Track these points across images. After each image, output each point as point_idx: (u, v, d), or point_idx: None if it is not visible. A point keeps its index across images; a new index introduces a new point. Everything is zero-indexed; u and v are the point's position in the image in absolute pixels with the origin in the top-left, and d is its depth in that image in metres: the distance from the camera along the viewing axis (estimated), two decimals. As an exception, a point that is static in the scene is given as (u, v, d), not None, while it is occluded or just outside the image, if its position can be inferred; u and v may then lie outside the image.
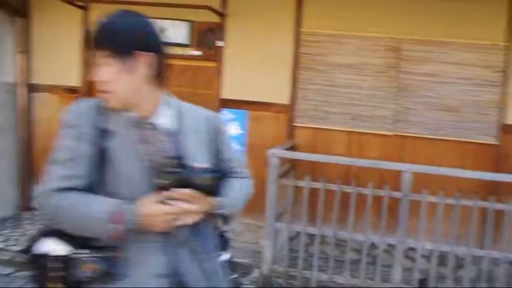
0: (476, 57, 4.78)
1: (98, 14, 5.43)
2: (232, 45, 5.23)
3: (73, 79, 5.68)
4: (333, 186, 4.11)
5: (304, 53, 5.06)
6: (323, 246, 4.37)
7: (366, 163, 4.27)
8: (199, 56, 5.34)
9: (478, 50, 4.77)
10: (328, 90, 5.02)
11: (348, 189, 4.11)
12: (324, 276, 4.22)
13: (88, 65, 5.61)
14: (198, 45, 5.32)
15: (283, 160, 4.42)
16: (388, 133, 4.96)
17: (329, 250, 4.32)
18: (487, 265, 4.00)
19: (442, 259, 4.14)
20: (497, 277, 4.03)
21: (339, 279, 4.19)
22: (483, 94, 4.77)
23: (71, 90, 5.67)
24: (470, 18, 4.76)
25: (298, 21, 5.07)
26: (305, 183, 4.14)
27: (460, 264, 4.20)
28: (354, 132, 5.02)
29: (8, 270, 4.42)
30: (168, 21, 5.19)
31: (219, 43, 5.22)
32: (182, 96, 5.31)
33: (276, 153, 4.12)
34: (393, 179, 4.22)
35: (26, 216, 5.78)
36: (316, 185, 4.13)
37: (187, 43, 5.30)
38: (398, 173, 4.05)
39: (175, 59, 5.39)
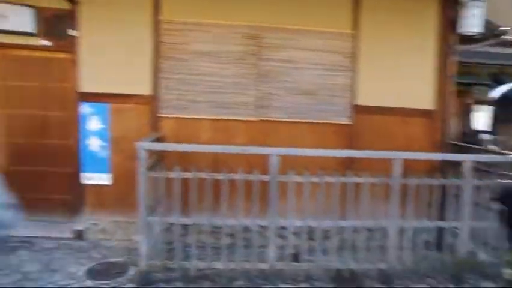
0: (328, 44, 5.34)
1: None
2: (87, 34, 5.10)
3: None
4: (204, 175, 4.28)
5: (165, 42, 5.16)
6: (199, 235, 4.51)
7: (234, 149, 4.50)
8: (49, 46, 5.12)
9: (329, 37, 5.33)
10: (191, 79, 5.19)
11: (219, 176, 4.31)
12: (202, 264, 4.38)
13: None
14: (47, 34, 5.09)
15: (150, 152, 4.44)
16: (251, 119, 5.27)
17: (204, 238, 4.49)
18: (350, 234, 4.50)
19: (311, 234, 4.55)
20: (358, 244, 4.56)
21: (217, 265, 4.38)
22: (336, 78, 5.33)
23: None
24: (321, 8, 5.29)
25: (156, 9, 5.13)
26: (176, 174, 4.24)
27: (327, 236, 4.65)
28: (219, 119, 5.25)
29: None
30: (8, 5, 4.83)
31: (72, 32, 5.03)
32: (31, 91, 5.00)
33: (145, 146, 4.17)
34: (260, 163, 4.53)
35: None
36: (187, 175, 4.26)
37: (33, 31, 5.02)
38: (265, 157, 4.35)
39: (20, 49, 5.06)
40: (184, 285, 4.28)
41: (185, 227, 4.58)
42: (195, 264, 4.37)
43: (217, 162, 5.04)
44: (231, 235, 4.73)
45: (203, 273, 4.45)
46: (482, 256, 4.76)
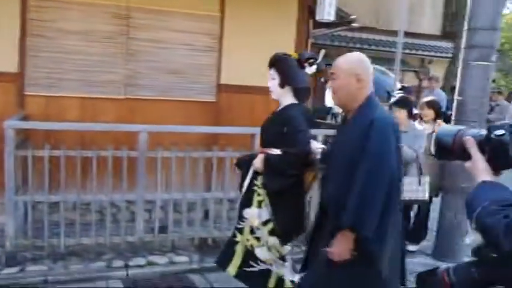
0: (197, 26, 5.73)
1: None
2: None
3: None
4: (73, 153, 4.49)
5: (33, 19, 5.18)
6: (68, 213, 4.75)
7: (104, 127, 4.81)
8: None
9: (197, 19, 5.72)
10: (59, 57, 5.29)
11: (88, 153, 4.56)
12: (71, 241, 4.64)
13: None
14: None
15: (17, 131, 4.56)
16: (120, 97, 5.54)
17: (73, 216, 4.76)
18: (213, 205, 5.06)
19: (177, 207, 5.04)
20: (221, 214, 5.13)
21: (86, 241, 4.70)
22: (203, 58, 5.80)
23: None
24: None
25: None
26: (45, 153, 4.43)
27: (192, 208, 5.16)
28: (87, 98, 5.45)
29: None
30: None
31: None
32: None
33: (12, 125, 4.28)
34: (129, 141, 4.81)
35: None
36: (56, 153, 4.46)
37: None
38: (132, 134, 4.71)
39: None
40: (52, 263, 4.49)
41: (54, 205, 4.72)
42: (63, 241, 4.54)
43: (84, 141, 5.09)
44: (100, 211, 5.00)
45: (71, 250, 4.64)
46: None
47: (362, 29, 11.88)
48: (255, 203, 3.14)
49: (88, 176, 4.62)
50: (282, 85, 3.11)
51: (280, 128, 3.04)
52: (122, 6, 5.43)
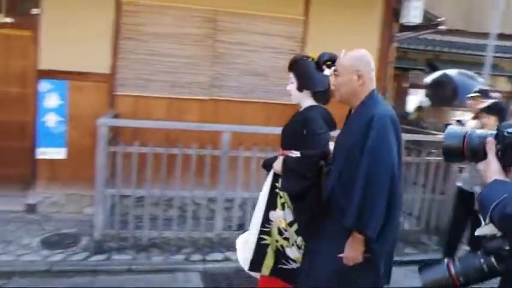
0: (281, 29, 5.83)
1: None
2: (48, 12, 5.38)
3: None
4: (160, 150, 4.67)
5: (126, 23, 5.49)
6: (152, 207, 4.93)
7: (190, 126, 4.99)
8: (10, 23, 5.38)
9: (281, 22, 5.81)
10: (149, 59, 5.56)
11: (174, 151, 4.70)
12: (154, 234, 4.83)
13: None
14: (8, 11, 5.35)
15: (109, 128, 4.81)
16: (205, 98, 5.73)
17: (157, 210, 4.94)
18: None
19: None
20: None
21: (167, 234, 4.86)
22: (286, 61, 5.80)
23: None
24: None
25: None
26: (134, 149, 4.63)
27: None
28: (174, 98, 5.68)
29: None
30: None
31: (34, 10, 5.33)
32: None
33: (105, 122, 4.53)
34: (210, 140, 4.94)
35: None
36: (144, 149, 4.65)
37: (-5, 9, 5.31)
38: (216, 133, 4.84)
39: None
40: (135, 253, 4.70)
41: (139, 199, 4.94)
42: (146, 234, 4.75)
43: (169, 139, 5.32)
44: (181, 207, 5.17)
45: (154, 242, 4.83)
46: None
47: (450, 31, 11.33)
48: (279, 205, 3.08)
49: (172, 173, 4.78)
50: (300, 89, 3.04)
51: (300, 130, 2.97)
52: (210, 10, 5.62)
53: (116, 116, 5.40)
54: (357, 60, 2.50)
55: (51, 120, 5.53)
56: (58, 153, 5.59)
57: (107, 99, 5.57)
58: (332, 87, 2.73)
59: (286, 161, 2.94)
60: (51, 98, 5.48)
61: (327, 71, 3.00)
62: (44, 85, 5.46)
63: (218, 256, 4.75)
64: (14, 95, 5.61)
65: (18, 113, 5.63)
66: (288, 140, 3.13)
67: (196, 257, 4.73)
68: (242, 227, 4.97)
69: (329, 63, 2.99)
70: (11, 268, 4.36)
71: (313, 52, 3.13)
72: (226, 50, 5.71)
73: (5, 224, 5.32)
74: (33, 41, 5.41)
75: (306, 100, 3.06)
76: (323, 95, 3.05)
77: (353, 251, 2.35)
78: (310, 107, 3.02)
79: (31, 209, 5.66)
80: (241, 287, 4.26)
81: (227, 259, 4.73)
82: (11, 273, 4.30)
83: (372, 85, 2.52)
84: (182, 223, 4.99)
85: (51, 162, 5.61)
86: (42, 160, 5.60)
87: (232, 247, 4.86)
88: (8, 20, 5.38)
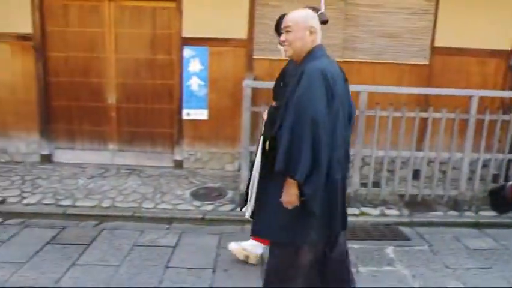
0: (413, -12, 5.75)
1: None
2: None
3: (25, 26, 5.95)
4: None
5: (261, -11, 5.70)
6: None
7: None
8: (157, -4, 5.84)
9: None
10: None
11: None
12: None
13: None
14: (155, -15, 5.80)
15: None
16: (337, 60, 5.82)
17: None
18: (425, 165, 5.15)
19: (391, 164, 5.25)
20: (433, 174, 5.21)
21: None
22: (418, 21, 5.81)
23: (24, 38, 5.98)
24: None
25: None
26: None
27: (405, 166, 5.32)
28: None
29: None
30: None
31: (179, -17, 5.74)
32: (144, 37, 5.90)
33: (250, 84, 4.86)
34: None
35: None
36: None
37: (144, -16, 5.78)
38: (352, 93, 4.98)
39: (134, 0, 5.86)
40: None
41: None
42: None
43: None
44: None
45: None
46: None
47: None
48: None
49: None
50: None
51: (279, 83, 3.37)
52: (342, -27, 5.64)
53: (255, 79, 5.70)
54: (309, 17, 2.65)
55: (194, 83, 5.98)
56: (201, 114, 6.05)
57: (244, 63, 5.90)
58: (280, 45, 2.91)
59: (268, 111, 3.02)
60: (194, 63, 5.90)
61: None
62: (187, 51, 5.89)
63: (355, 211, 5.00)
64: (161, 61, 6.11)
65: (165, 77, 6.14)
66: (273, 92, 3.61)
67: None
68: (377, 185, 5.16)
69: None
70: (170, 215, 4.93)
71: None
72: (358, 12, 5.76)
73: (158, 178, 5.92)
74: (178, 11, 5.82)
75: None
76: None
77: (288, 195, 2.46)
78: (291, 61, 3.15)
79: (179, 164, 6.24)
80: (379, 239, 4.48)
81: (363, 214, 4.99)
82: (171, 219, 4.88)
83: (317, 41, 2.67)
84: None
85: (195, 122, 6.10)
86: (187, 120, 6.10)
87: (367, 203, 5.11)
88: (155, -7, 5.82)
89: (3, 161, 6.43)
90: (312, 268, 2.76)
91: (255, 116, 5.02)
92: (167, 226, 4.75)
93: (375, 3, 5.74)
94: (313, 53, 2.64)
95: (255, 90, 5.15)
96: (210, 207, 5.10)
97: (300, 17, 2.66)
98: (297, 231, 2.59)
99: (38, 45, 6.01)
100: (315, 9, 2.91)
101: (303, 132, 2.36)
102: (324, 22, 2.84)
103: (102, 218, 4.84)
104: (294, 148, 2.38)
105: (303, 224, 2.57)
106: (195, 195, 5.41)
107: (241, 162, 5.06)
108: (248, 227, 4.70)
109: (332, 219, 2.62)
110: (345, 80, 2.72)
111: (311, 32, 2.65)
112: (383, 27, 5.80)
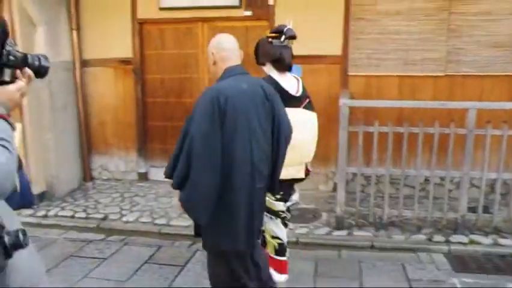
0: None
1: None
2: (282, 2, 5.62)
3: (126, 51, 6.13)
4: (401, 129, 4.58)
5: (356, 4, 5.43)
6: (390, 186, 4.87)
7: (433, 104, 4.80)
8: (249, 16, 5.76)
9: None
10: (379, 38, 5.44)
11: (415, 130, 4.55)
12: (393, 212, 4.77)
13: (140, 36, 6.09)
14: (248, 5, 5.72)
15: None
16: (439, 74, 5.40)
17: (395, 189, 4.89)
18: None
19: (504, 187, 4.70)
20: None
21: (407, 214, 4.76)
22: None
23: (125, 62, 6.15)
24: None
25: None
26: (374, 129, 4.60)
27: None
28: (406, 76, 5.46)
29: (100, 236, 4.98)
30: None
31: (269, 1, 5.60)
32: (245, 58, 5.70)
33: (347, 103, 4.58)
34: (444, 118, 4.72)
35: (90, 186, 6.40)
36: (385, 129, 4.59)
37: (237, 4, 5.71)
38: (452, 111, 4.63)
39: (227, 21, 5.82)
40: (375, 231, 4.73)
41: (379, 177, 5.05)
42: (386, 212, 4.71)
43: (400, 118, 5.29)
44: (421, 187, 5.06)
45: (393, 221, 4.82)
46: None
47: None
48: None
49: (411, 152, 4.65)
50: (259, 63, 3.40)
51: None
52: (444, -20, 5.22)
53: (350, 96, 5.41)
54: (213, 43, 2.77)
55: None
56: (294, 133, 5.83)
57: (339, 80, 5.63)
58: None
59: None
60: (287, 82, 5.70)
61: (275, 42, 3.26)
62: (280, 70, 5.70)
63: (463, 239, 4.52)
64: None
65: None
66: None
67: (439, 237, 4.58)
68: (487, 210, 4.64)
69: (273, 35, 3.29)
70: (264, 238, 4.73)
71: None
72: (462, 22, 5.28)
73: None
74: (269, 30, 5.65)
75: (271, 71, 3.32)
76: (278, 63, 3.28)
77: (179, 199, 2.70)
78: (265, 78, 3.20)
79: (272, 185, 6.04)
80: (495, 273, 3.99)
81: (473, 242, 4.48)
82: (265, 242, 4.68)
83: (225, 64, 2.72)
84: (422, 203, 4.85)
85: (288, 141, 5.88)
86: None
87: (477, 230, 4.60)
88: (248, 13, 5.71)
89: (105, 178, 6.64)
90: (234, 280, 2.84)
91: (352, 136, 4.74)
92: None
93: (482, 11, 5.22)
94: (222, 75, 2.74)
95: (351, 109, 4.88)
96: (304, 230, 4.87)
97: (210, 44, 2.81)
98: (203, 238, 2.82)
99: (137, 68, 6.16)
100: (283, 25, 3.30)
101: (178, 146, 2.62)
102: (291, 37, 3.30)
103: (195, 239, 4.76)
104: (173, 158, 2.65)
105: (204, 231, 2.78)
106: (289, 217, 5.19)
107: (338, 183, 4.79)
108: (345, 252, 4.45)
109: (232, 230, 2.69)
110: (267, 99, 2.73)
111: (214, 56, 2.75)
112: (491, 36, 5.26)
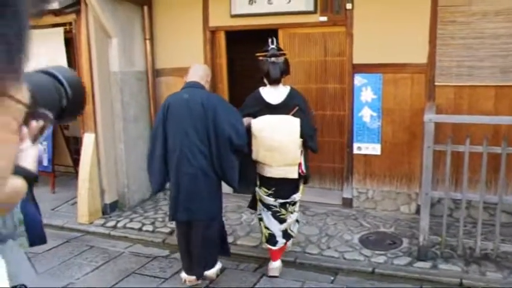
0: None
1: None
2: (360, 6, 5.03)
3: (197, 59, 5.82)
4: (498, 149, 3.83)
5: (444, 5, 4.68)
6: (485, 213, 4.13)
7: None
8: (325, 21, 5.21)
9: None
10: (472, 43, 4.65)
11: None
12: (488, 244, 4.02)
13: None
14: (324, 10, 5.19)
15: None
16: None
17: (492, 217, 4.13)
18: None
19: None
20: None
21: (505, 247, 3.99)
22: None
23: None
24: None
25: None
26: (465, 148, 3.89)
27: None
28: (505, 86, 4.62)
29: (165, 252, 4.73)
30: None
31: (347, 6, 5.04)
32: (310, 65, 5.29)
33: (433, 118, 3.90)
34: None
35: (161, 197, 6.16)
36: (478, 148, 3.87)
37: (312, 10, 5.18)
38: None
39: (301, 27, 5.34)
40: (465, 265, 4.02)
41: (470, 203, 4.37)
42: (479, 244, 3.98)
43: (497, 135, 4.55)
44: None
45: (487, 254, 4.06)
46: None
47: None
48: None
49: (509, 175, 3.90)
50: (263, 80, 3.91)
51: None
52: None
53: (437, 109, 4.70)
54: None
55: (366, 114, 5.19)
56: (373, 148, 5.23)
57: (424, 91, 4.93)
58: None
59: None
60: (366, 92, 5.13)
61: (264, 60, 3.76)
62: (358, 79, 5.15)
63: None
64: (331, 90, 5.49)
65: (336, 108, 5.50)
66: None
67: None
68: None
69: (262, 54, 3.78)
70: (336, 265, 4.24)
71: None
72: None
73: (325, 217, 5.26)
74: (348, 37, 5.12)
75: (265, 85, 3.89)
76: (267, 77, 3.79)
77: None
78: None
79: (347, 203, 5.48)
80: None
81: None
82: (337, 270, 4.20)
83: (187, 79, 3.77)
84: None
85: (367, 157, 5.30)
86: (358, 155, 5.32)
87: None
88: (323, 18, 5.20)
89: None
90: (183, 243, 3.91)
91: (439, 155, 4.07)
92: (331, 278, 4.13)
93: None
94: (182, 86, 3.80)
95: (437, 124, 4.22)
96: (381, 259, 4.28)
97: None
98: None
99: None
100: (267, 46, 3.80)
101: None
102: (274, 55, 3.73)
103: (262, 261, 4.36)
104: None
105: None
106: (365, 242, 4.61)
107: (421, 208, 4.14)
108: (427, 286, 3.82)
109: (176, 204, 3.67)
110: (203, 106, 3.51)
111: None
112: None
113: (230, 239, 4.70)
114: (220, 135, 3.48)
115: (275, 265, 4.04)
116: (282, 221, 3.91)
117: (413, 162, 5.07)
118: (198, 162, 3.52)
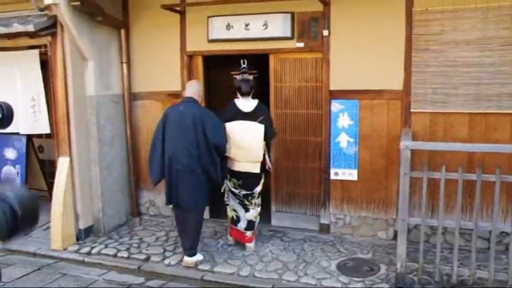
0: None
1: (195, 17, 5.47)
2: (336, 33, 5.03)
3: (174, 83, 5.77)
4: (474, 177, 3.80)
5: (418, 34, 4.71)
6: (460, 240, 4.09)
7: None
8: (302, 47, 5.19)
9: None
10: (446, 71, 4.67)
11: (491, 178, 3.77)
12: (465, 271, 3.96)
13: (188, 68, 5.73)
14: (301, 36, 5.17)
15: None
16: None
17: (467, 243, 4.09)
18: None
19: None
20: None
21: (482, 274, 3.92)
22: None
23: (173, 95, 5.75)
24: None
25: (409, 0, 4.72)
26: (441, 175, 3.86)
27: None
28: (478, 113, 4.64)
29: (139, 279, 4.57)
30: (270, 15, 5.14)
31: (324, 32, 5.03)
32: (292, 91, 5.24)
33: (409, 145, 3.87)
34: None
35: (137, 222, 5.99)
36: (453, 175, 3.85)
37: (290, 35, 5.17)
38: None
39: (279, 53, 5.31)
40: (443, 292, 3.97)
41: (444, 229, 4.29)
42: (455, 271, 3.92)
43: (471, 162, 4.56)
44: (500, 241, 4.26)
45: (464, 281, 3.99)
46: None
47: None
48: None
49: (486, 201, 3.87)
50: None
51: None
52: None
53: (413, 135, 4.68)
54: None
55: (343, 140, 5.15)
56: (350, 174, 5.18)
57: (400, 117, 4.92)
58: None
59: None
60: (342, 118, 5.10)
61: (238, 77, 4.73)
62: (335, 105, 5.13)
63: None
64: (309, 116, 5.42)
65: (313, 134, 5.41)
66: None
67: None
68: None
69: (236, 72, 4.76)
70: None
71: None
72: None
73: (302, 243, 5.17)
74: (325, 63, 5.11)
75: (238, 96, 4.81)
76: (239, 91, 4.75)
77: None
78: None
79: (325, 229, 5.40)
80: None
81: None
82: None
83: (185, 94, 4.72)
84: (500, 259, 4.02)
85: (344, 183, 5.24)
86: (335, 181, 5.26)
87: None
88: (300, 44, 5.19)
89: (152, 214, 6.25)
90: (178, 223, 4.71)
91: (415, 181, 4.04)
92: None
93: None
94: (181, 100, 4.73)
95: (414, 151, 4.15)
96: (359, 285, 4.19)
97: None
98: None
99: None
100: (240, 66, 4.73)
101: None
102: (245, 73, 4.71)
103: (242, 289, 4.24)
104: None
105: None
106: (342, 269, 4.52)
107: (398, 235, 4.08)
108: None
109: (169, 192, 4.48)
110: (194, 117, 4.34)
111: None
112: None
113: (208, 266, 4.60)
114: (207, 141, 4.32)
115: (251, 246, 5.01)
116: (246, 209, 4.83)
117: (389, 187, 5.03)
118: (186, 161, 4.32)
